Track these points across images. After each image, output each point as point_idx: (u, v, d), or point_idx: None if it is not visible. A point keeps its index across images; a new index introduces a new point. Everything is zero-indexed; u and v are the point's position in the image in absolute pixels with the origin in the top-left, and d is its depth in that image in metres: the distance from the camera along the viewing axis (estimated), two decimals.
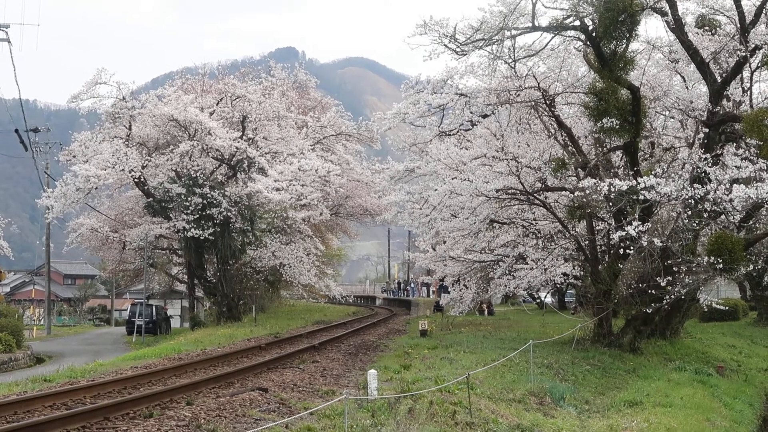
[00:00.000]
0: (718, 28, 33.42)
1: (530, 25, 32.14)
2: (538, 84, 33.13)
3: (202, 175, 51.60)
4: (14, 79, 53.02)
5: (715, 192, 28.98)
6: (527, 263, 38.27)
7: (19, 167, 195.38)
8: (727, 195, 28.75)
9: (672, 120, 37.56)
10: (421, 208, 41.64)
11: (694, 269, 30.97)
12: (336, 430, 16.41)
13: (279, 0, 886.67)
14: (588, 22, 31.76)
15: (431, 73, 39.52)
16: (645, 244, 29.43)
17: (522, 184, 33.55)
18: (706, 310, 39.85)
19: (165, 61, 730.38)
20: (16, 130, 58.39)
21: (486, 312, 58.27)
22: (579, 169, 33.25)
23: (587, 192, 29.60)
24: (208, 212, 50.18)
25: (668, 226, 32.14)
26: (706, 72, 32.70)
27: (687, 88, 36.00)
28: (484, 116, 36.72)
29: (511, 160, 33.78)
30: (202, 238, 50.69)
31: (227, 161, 53.67)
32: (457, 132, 39.61)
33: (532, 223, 39.23)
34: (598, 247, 35.32)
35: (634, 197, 29.28)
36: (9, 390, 22.28)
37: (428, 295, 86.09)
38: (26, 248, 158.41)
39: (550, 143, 35.22)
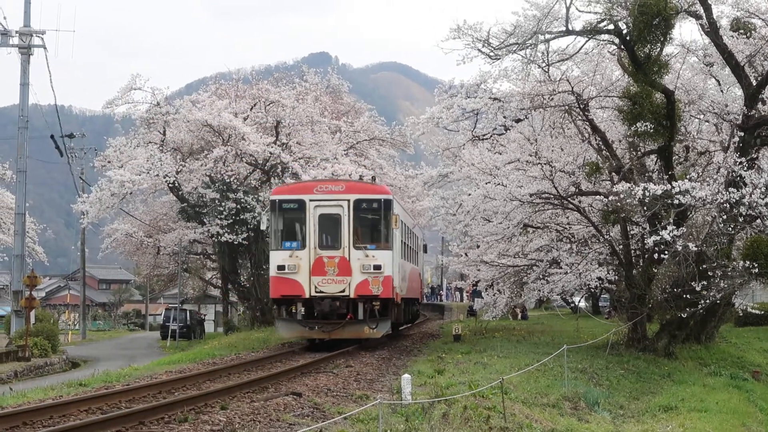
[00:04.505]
0: (753, 31, 33.21)
1: (564, 29, 32.11)
2: (572, 88, 33.05)
3: (235, 180, 51.83)
4: (50, 85, 53.06)
5: (751, 196, 28.89)
6: (561, 268, 38.10)
7: (54, 173, 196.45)
8: (763, 199, 28.67)
9: (707, 123, 37.37)
10: (454, 213, 41.59)
11: (729, 273, 30.85)
12: None
13: (311, 5, 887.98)
14: (622, 25, 31.70)
15: (464, 78, 39.68)
16: (680, 248, 29.34)
17: (556, 188, 33.45)
18: (741, 314, 39.70)
19: (199, 67, 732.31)
20: (52, 136, 58.76)
21: (519, 316, 58.12)
22: (613, 173, 33.15)
23: (621, 196, 29.53)
24: (241, 217, 50.40)
25: (703, 231, 31.98)
26: (741, 75, 32.52)
27: (722, 91, 35.79)
28: (518, 120, 36.68)
29: (545, 164, 33.67)
30: (235, 242, 50.87)
31: (261, 166, 53.88)
32: (491, 136, 39.57)
33: (566, 228, 39.09)
34: (633, 251, 35.16)
35: (669, 201, 29.18)
36: (45, 394, 22.40)
37: (461, 300, 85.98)
38: (61, 253, 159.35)
39: (584, 147, 35.12)
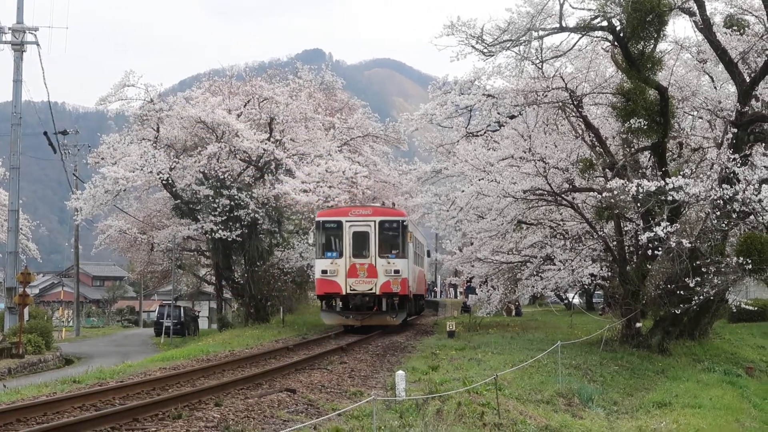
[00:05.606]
0: (746, 28, 33.26)
1: (557, 25, 32.13)
2: (566, 85, 33.07)
3: (229, 177, 51.74)
4: (43, 82, 52.95)
5: (744, 192, 28.91)
6: (555, 264, 38.14)
7: (47, 169, 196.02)
8: (756, 195, 28.68)
9: (700, 120, 37.43)
10: (448, 210, 41.65)
11: (722, 270, 30.88)
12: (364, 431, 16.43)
13: (309, 5, 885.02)
14: (615, 22, 31.71)
15: (458, 74, 40.17)
16: (673, 244, 29.36)
17: (549, 185, 33.47)
18: (734, 310, 39.68)
19: (192, 63, 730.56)
20: (45, 133, 58.72)
21: (513, 313, 58.12)
22: (607, 170, 33.17)
23: (615, 192, 29.56)
24: (235, 214, 50.28)
25: (697, 227, 32.05)
26: (734, 72, 32.55)
27: (715, 88, 35.86)
28: (512, 117, 36.71)
29: (539, 160, 33.68)
30: (229, 239, 50.77)
31: (254, 163, 53.80)
32: (485, 133, 39.64)
33: (559, 224, 39.11)
34: (626, 247, 35.19)
35: (663, 198, 29.21)
36: (39, 391, 22.37)
37: (455, 296, 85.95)
38: (55, 250, 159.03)
39: (578, 144, 35.14)
